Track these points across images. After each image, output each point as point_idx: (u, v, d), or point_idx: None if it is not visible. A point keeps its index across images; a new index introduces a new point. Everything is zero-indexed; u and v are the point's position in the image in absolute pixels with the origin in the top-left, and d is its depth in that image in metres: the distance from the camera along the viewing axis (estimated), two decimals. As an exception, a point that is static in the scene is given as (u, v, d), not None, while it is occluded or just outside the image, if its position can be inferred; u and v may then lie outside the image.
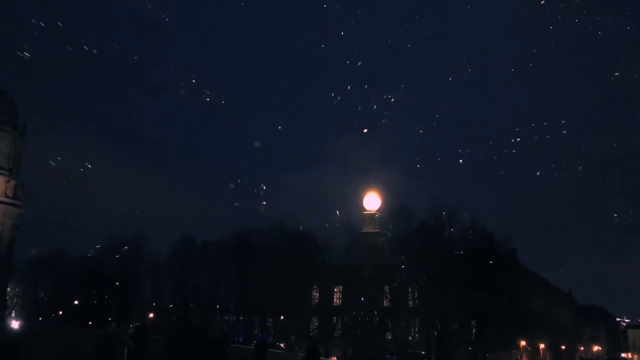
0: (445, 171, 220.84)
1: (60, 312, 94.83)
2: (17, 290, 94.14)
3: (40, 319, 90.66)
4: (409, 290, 73.95)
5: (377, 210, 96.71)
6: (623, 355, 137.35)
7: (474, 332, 70.07)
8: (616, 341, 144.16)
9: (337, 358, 71.26)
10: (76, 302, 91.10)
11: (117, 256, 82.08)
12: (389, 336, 72.82)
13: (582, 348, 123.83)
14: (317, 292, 78.96)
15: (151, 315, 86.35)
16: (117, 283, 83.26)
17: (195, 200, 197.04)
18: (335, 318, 75.65)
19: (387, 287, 73.34)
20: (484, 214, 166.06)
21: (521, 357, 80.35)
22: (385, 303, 73.40)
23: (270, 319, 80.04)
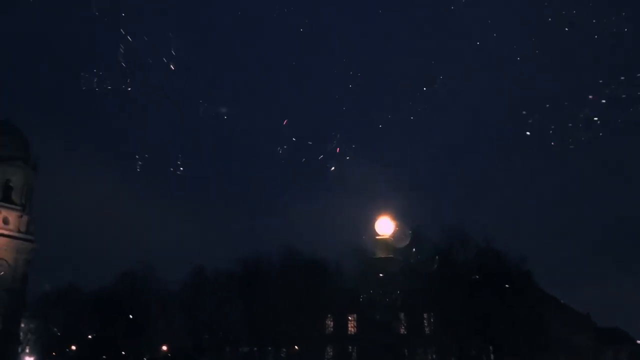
0: (458, 192, 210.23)
1: (74, 347, 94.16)
2: (30, 325, 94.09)
3: (54, 354, 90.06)
4: (425, 316, 72.85)
5: (390, 235, 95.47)
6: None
7: (492, 358, 68.98)
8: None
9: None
10: (90, 337, 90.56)
11: (128, 289, 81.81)
12: (405, 364, 71.96)
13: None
14: (331, 321, 77.90)
15: (164, 347, 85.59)
16: (129, 316, 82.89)
17: (203, 227, 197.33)
18: (350, 347, 74.70)
19: (403, 314, 72.40)
20: (499, 235, 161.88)
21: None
22: (401, 330, 72.31)
23: (284, 349, 78.72)
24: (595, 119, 36.28)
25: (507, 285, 64.26)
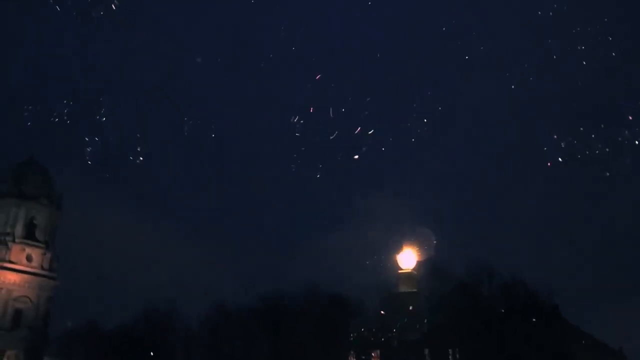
0: (482, 224, 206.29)
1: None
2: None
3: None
4: (450, 352, 71.23)
5: (413, 269, 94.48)
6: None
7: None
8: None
9: None
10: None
11: (150, 326, 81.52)
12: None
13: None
14: (354, 357, 76.59)
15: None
16: (151, 353, 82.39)
17: (225, 263, 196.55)
18: (374, 385, 73.17)
19: (427, 350, 70.94)
20: (525, 267, 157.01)
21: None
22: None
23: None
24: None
25: (534, 319, 62.79)
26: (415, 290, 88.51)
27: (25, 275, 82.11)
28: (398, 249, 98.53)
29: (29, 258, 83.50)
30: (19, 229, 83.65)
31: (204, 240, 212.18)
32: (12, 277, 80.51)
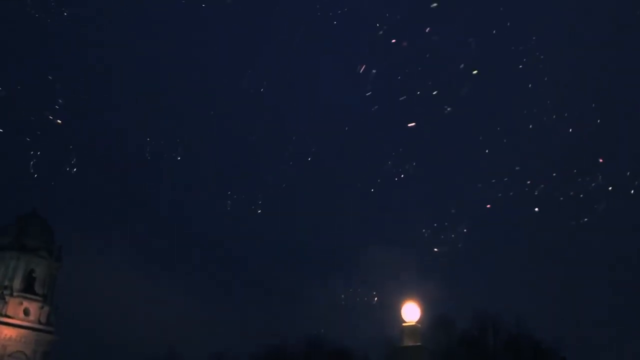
0: (487, 276, 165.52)
1: None
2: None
3: None
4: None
5: (417, 322, 67.07)
6: None
7: None
8: None
9: None
10: None
11: None
12: None
13: None
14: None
15: None
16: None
17: (225, 313, 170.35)
18: None
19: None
20: (531, 319, 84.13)
21: None
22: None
23: None
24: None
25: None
26: (419, 344, 66.05)
27: (22, 330, 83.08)
28: (402, 301, 73.28)
29: (26, 312, 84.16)
30: (17, 282, 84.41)
31: (204, 291, 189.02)
32: (7, 332, 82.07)
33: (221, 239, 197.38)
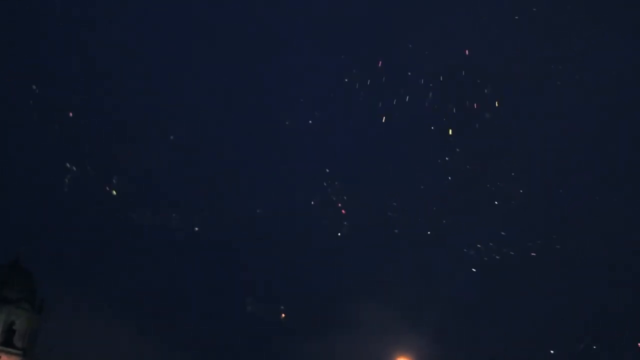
0: (482, 328, 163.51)
1: None
2: None
3: None
4: None
5: None
6: None
7: None
8: None
9: None
10: None
11: None
12: None
13: None
14: None
15: None
16: None
17: None
18: None
19: None
20: None
21: None
22: None
23: None
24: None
25: None
26: None
27: None
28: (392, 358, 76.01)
29: None
30: None
31: (187, 349, 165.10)
32: None
33: (205, 293, 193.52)
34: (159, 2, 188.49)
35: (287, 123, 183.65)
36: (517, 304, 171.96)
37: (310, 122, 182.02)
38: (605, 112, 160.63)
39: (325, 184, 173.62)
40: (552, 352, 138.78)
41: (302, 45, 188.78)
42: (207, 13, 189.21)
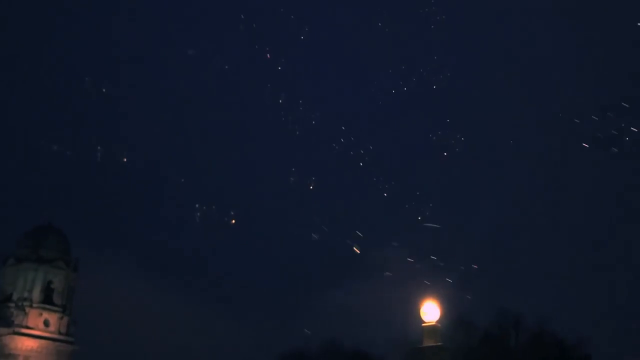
0: (507, 273, 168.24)
1: None
2: None
3: None
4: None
5: (437, 321, 66.59)
6: None
7: None
8: None
9: None
10: None
11: None
12: None
13: None
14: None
15: None
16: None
17: (242, 324, 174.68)
18: None
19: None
20: (554, 315, 77.92)
21: None
22: None
23: None
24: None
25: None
26: (440, 344, 65.16)
27: (43, 341, 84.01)
28: (420, 301, 73.23)
29: (46, 323, 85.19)
30: (36, 294, 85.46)
31: (217, 303, 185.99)
32: (29, 343, 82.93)
33: (233, 249, 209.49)
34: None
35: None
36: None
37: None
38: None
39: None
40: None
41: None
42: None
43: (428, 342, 48.87)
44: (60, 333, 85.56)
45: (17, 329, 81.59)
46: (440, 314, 48.92)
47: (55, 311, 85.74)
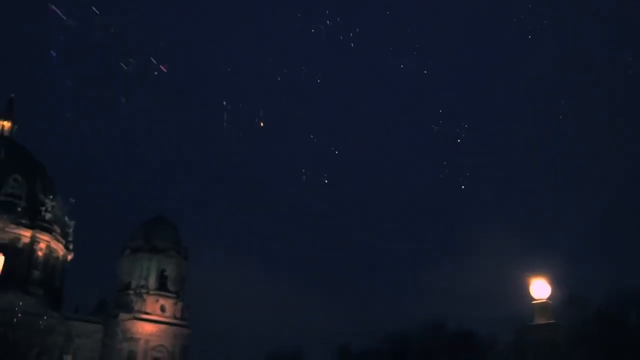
0: (621, 248, 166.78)
1: None
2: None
3: None
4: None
5: (547, 298, 63.60)
6: None
7: None
8: None
9: None
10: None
11: None
12: None
13: None
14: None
15: None
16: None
17: (346, 306, 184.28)
18: None
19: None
20: None
21: None
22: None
23: None
24: None
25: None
26: (552, 321, 62.17)
27: (160, 325, 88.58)
28: (529, 278, 70.54)
29: (162, 308, 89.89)
30: (152, 281, 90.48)
31: (322, 286, 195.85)
32: (148, 328, 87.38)
33: (337, 233, 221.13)
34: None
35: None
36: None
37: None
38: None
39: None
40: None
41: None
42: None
43: (539, 320, 46.66)
44: (175, 317, 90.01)
45: (137, 315, 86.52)
46: (551, 291, 46.16)
47: (169, 297, 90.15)
